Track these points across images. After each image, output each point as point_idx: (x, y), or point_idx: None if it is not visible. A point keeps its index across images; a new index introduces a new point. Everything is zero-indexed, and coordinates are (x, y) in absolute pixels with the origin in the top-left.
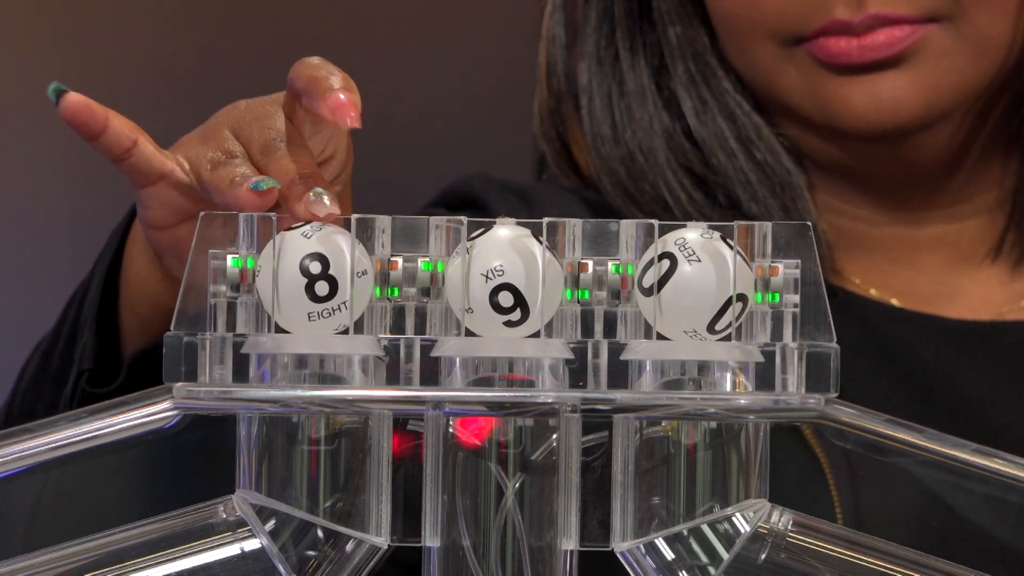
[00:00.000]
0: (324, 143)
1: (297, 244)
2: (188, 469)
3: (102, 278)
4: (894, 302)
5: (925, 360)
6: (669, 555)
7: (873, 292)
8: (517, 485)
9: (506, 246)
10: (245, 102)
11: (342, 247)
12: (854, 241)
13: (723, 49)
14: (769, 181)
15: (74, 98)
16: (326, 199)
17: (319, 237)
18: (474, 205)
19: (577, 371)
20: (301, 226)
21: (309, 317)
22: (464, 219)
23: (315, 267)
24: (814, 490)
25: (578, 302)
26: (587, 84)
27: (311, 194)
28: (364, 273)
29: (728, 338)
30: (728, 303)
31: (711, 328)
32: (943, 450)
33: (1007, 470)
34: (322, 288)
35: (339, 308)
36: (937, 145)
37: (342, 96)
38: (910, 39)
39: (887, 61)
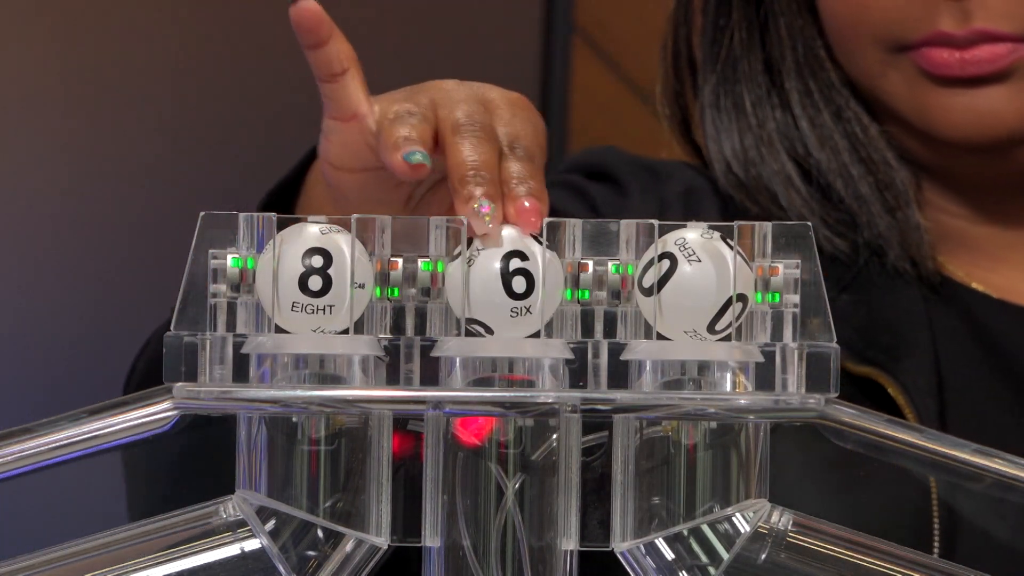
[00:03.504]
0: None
1: (310, 234)
2: (188, 469)
3: (272, 198)
4: (994, 296)
5: None
6: (669, 555)
7: (976, 286)
8: (517, 485)
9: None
10: (455, 81)
11: (347, 252)
12: (956, 238)
13: (831, 47)
14: (872, 178)
15: (308, 4)
16: (487, 217)
17: (332, 236)
18: (606, 176)
19: (577, 371)
20: (322, 222)
21: (292, 306)
22: (464, 219)
23: (316, 261)
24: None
25: (578, 302)
26: (702, 66)
27: (475, 204)
28: (362, 286)
29: (728, 338)
30: (728, 303)
31: (711, 328)
32: (943, 450)
33: (1007, 470)
34: (315, 283)
35: (325, 310)
36: None
37: (526, 204)
38: (1011, 57)
39: (988, 77)
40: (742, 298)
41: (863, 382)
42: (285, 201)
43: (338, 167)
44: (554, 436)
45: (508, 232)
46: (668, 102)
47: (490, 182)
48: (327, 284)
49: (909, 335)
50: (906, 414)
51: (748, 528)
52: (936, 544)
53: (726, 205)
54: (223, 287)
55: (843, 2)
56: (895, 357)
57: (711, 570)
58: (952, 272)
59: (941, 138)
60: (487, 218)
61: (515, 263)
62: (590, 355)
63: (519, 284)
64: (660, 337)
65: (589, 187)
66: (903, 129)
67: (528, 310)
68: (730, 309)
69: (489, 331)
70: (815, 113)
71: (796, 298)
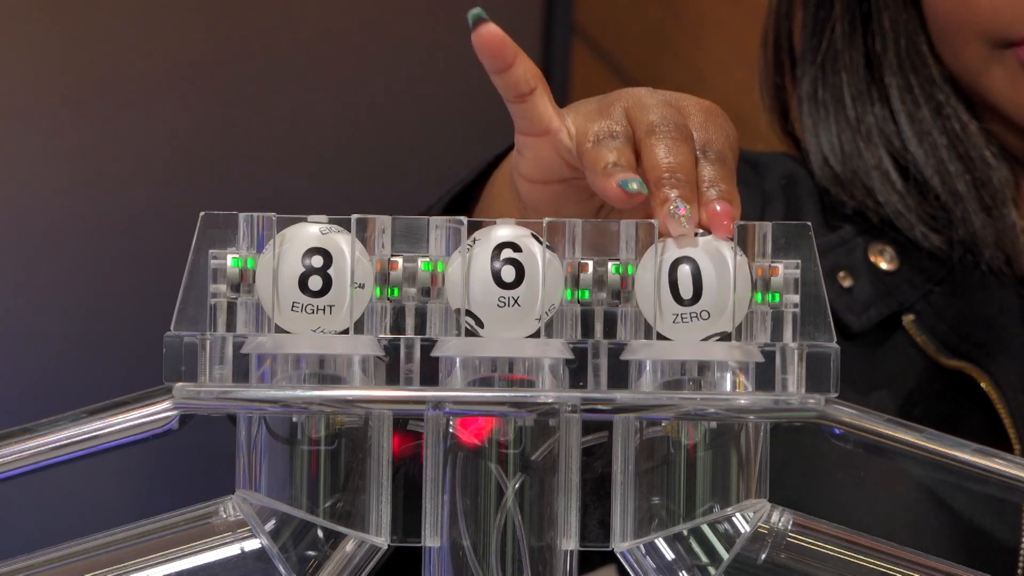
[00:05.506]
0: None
1: (310, 234)
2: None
3: (450, 200)
4: None
5: None
6: (669, 555)
7: None
8: (517, 485)
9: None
10: (647, 88)
11: (347, 252)
12: None
13: (933, 42)
14: (969, 175)
15: (490, 29)
16: (683, 219)
17: (332, 236)
18: None
19: (577, 371)
20: (322, 222)
21: (292, 306)
22: (464, 219)
23: (316, 261)
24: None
25: (578, 302)
26: (800, 59)
27: (671, 207)
28: (362, 286)
29: (728, 337)
30: (678, 263)
31: (673, 292)
32: (943, 450)
33: (1007, 470)
34: (315, 283)
35: (325, 310)
36: None
37: (718, 207)
38: None
39: None
40: (690, 261)
41: (954, 376)
42: (461, 203)
43: (532, 180)
44: (554, 436)
45: (508, 230)
46: (767, 94)
47: (686, 184)
48: (327, 284)
49: (1003, 331)
50: (998, 409)
51: (748, 528)
52: (1021, 565)
53: (823, 197)
54: (223, 287)
55: None
56: (989, 352)
57: (711, 570)
58: None
59: None
60: (683, 220)
61: (507, 253)
62: (590, 355)
63: (508, 273)
64: (660, 337)
65: None
66: (1004, 126)
67: (516, 301)
68: (680, 268)
69: (479, 323)
70: (914, 108)
71: (796, 298)
